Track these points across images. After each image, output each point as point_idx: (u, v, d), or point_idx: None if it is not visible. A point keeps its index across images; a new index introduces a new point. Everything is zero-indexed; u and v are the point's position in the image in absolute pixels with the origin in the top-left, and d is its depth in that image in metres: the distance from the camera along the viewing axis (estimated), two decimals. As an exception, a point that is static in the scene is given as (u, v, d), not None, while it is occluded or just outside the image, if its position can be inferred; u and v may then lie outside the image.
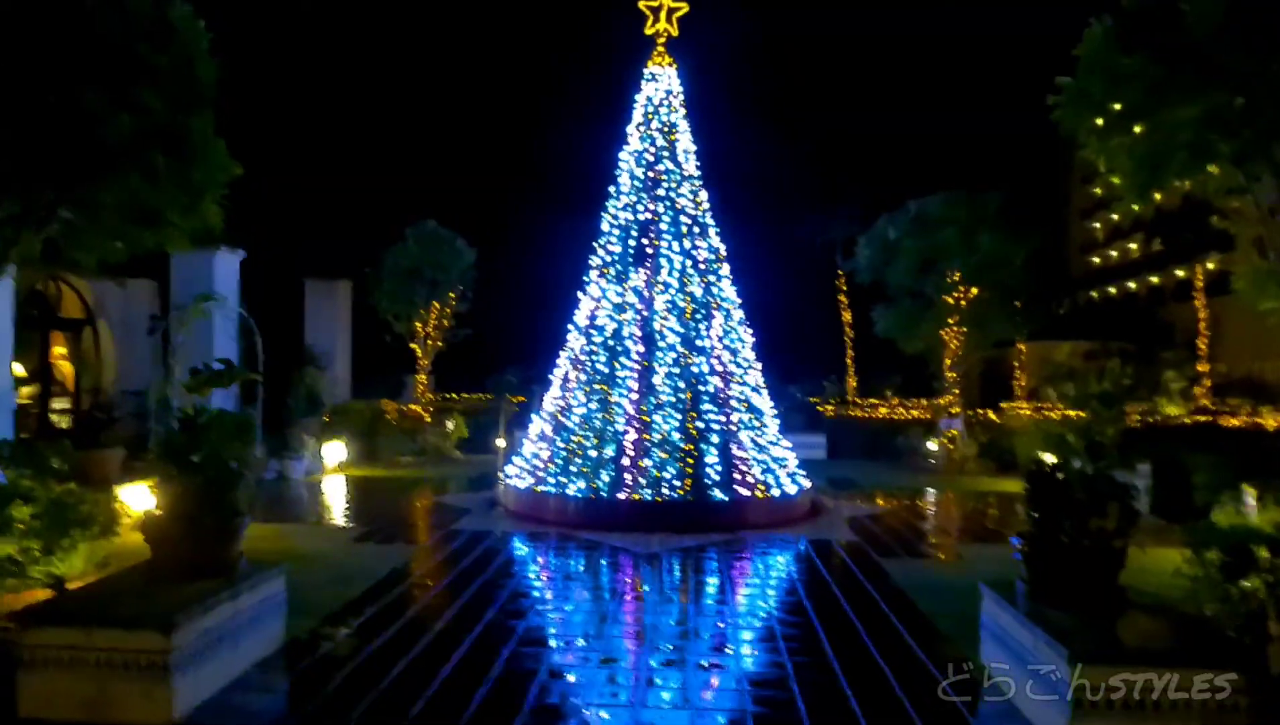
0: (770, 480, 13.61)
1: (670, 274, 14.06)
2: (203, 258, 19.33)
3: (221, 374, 7.71)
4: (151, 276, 22.05)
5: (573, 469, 13.41)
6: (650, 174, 14.62)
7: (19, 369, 18.15)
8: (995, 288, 20.39)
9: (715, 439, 13.34)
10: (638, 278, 14.07)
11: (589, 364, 14.02)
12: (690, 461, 13.09)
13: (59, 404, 22.55)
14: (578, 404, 13.90)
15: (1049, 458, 6.33)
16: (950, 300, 20.71)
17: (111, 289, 22.63)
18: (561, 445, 13.77)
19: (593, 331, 14.23)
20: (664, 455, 13.14)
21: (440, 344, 23.46)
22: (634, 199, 14.53)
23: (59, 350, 22.90)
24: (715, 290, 14.40)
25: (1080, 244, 57.56)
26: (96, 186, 8.85)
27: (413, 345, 23.33)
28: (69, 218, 8.96)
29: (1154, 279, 46.67)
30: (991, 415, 22.84)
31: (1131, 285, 49.66)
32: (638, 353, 13.62)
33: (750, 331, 14.89)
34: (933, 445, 22.18)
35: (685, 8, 15.20)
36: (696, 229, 14.53)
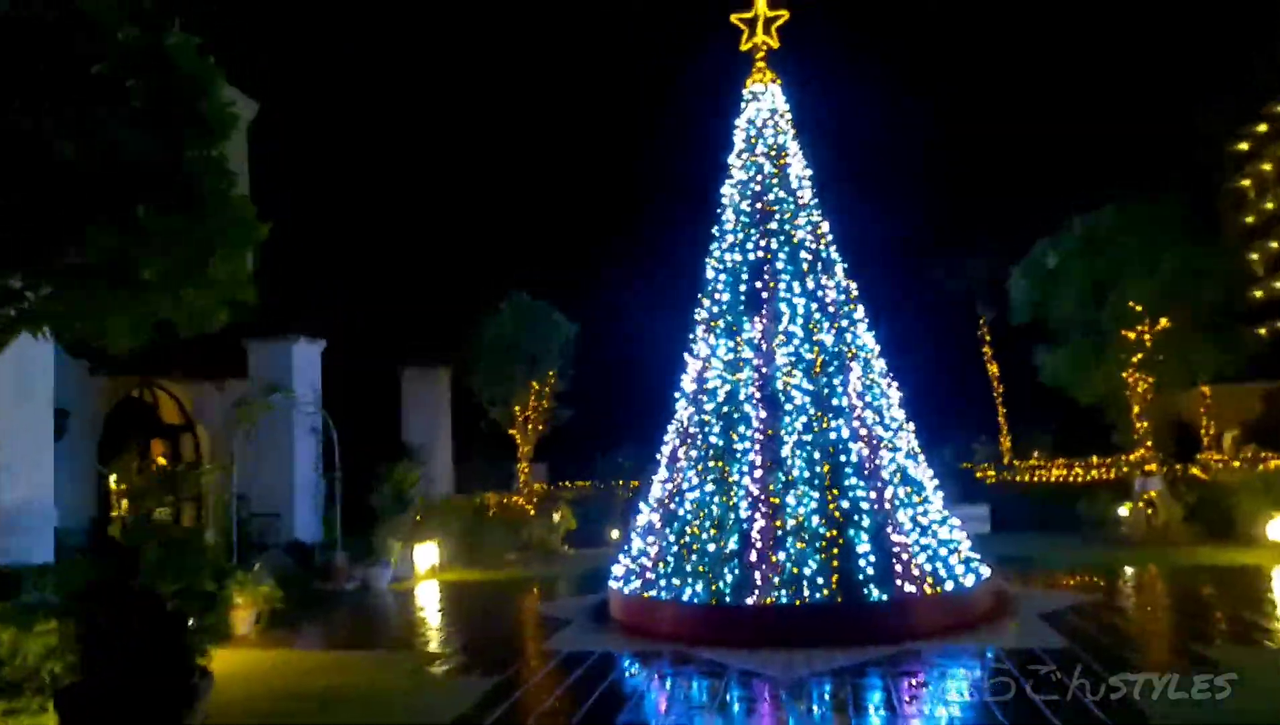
0: (940, 571, 10.66)
1: (792, 321, 11.51)
2: (280, 348, 18.04)
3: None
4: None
5: (687, 568, 10.82)
6: (759, 206, 12.23)
7: (113, 479, 17.05)
8: (1188, 314, 16.89)
9: (865, 522, 10.53)
10: (753, 329, 11.57)
11: (700, 437, 11.51)
12: (835, 552, 10.31)
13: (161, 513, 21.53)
14: (689, 487, 11.36)
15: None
16: (1132, 334, 17.28)
17: (210, 392, 21.65)
18: (673, 539, 11.22)
19: (702, 397, 11.76)
20: (801, 545, 10.41)
21: (541, 427, 21.38)
22: (741, 237, 12.15)
23: (160, 459, 22.02)
24: (849, 337, 11.75)
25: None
26: (58, 244, 7.11)
27: (511, 431, 21.33)
28: (19, 287, 7.19)
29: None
30: (1196, 471, 18.97)
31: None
32: (759, 419, 11.04)
33: (896, 385, 12.11)
34: (1124, 511, 18.50)
35: (785, 15, 12.98)
36: (820, 266, 11.99)
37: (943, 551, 11.02)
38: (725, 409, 11.46)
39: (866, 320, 12.22)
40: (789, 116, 12.95)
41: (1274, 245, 43.72)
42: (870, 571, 10.25)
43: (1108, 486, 20.03)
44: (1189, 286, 16.47)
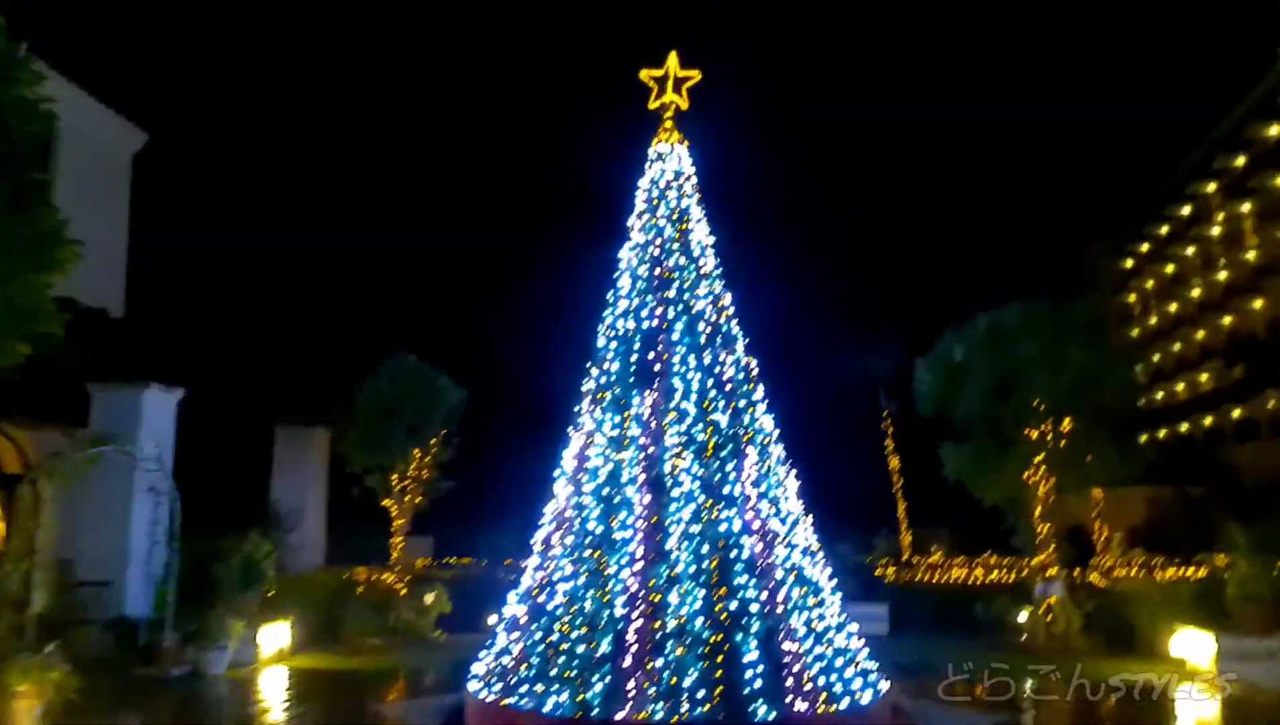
0: (835, 685, 9.56)
1: (685, 398, 10.48)
2: (127, 395, 16.18)
3: None
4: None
5: (553, 673, 9.46)
6: (658, 272, 11.30)
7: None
8: (1090, 417, 16.56)
9: (755, 626, 9.40)
10: (643, 404, 10.48)
11: (577, 521, 10.27)
12: (720, 660, 9.12)
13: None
14: (561, 577, 10.06)
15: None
16: (1035, 433, 16.84)
17: (58, 440, 19.41)
18: (539, 637, 9.86)
19: (582, 476, 10.57)
20: (682, 651, 9.19)
21: (419, 499, 19.73)
22: (636, 303, 11.16)
23: (-11, 513, 19.55)
24: (746, 418, 10.78)
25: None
26: None
27: (386, 501, 19.63)
28: None
29: (1208, 420, 41.22)
30: (1095, 578, 18.51)
31: (1184, 427, 43.26)
32: (642, 505, 9.89)
33: (794, 473, 11.15)
34: (1024, 616, 17.84)
35: (697, 76, 12.29)
36: (719, 339, 11.05)
37: (838, 662, 9.94)
38: (606, 491, 10.26)
39: (766, 401, 11.27)
40: (694, 180, 12.14)
41: (1155, 358, 44.98)
42: (758, 684, 9.07)
43: (1006, 589, 19.42)
44: (1090, 389, 16.17)
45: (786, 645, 9.49)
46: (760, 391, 11.31)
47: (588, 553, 10.02)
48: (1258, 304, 38.32)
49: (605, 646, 9.42)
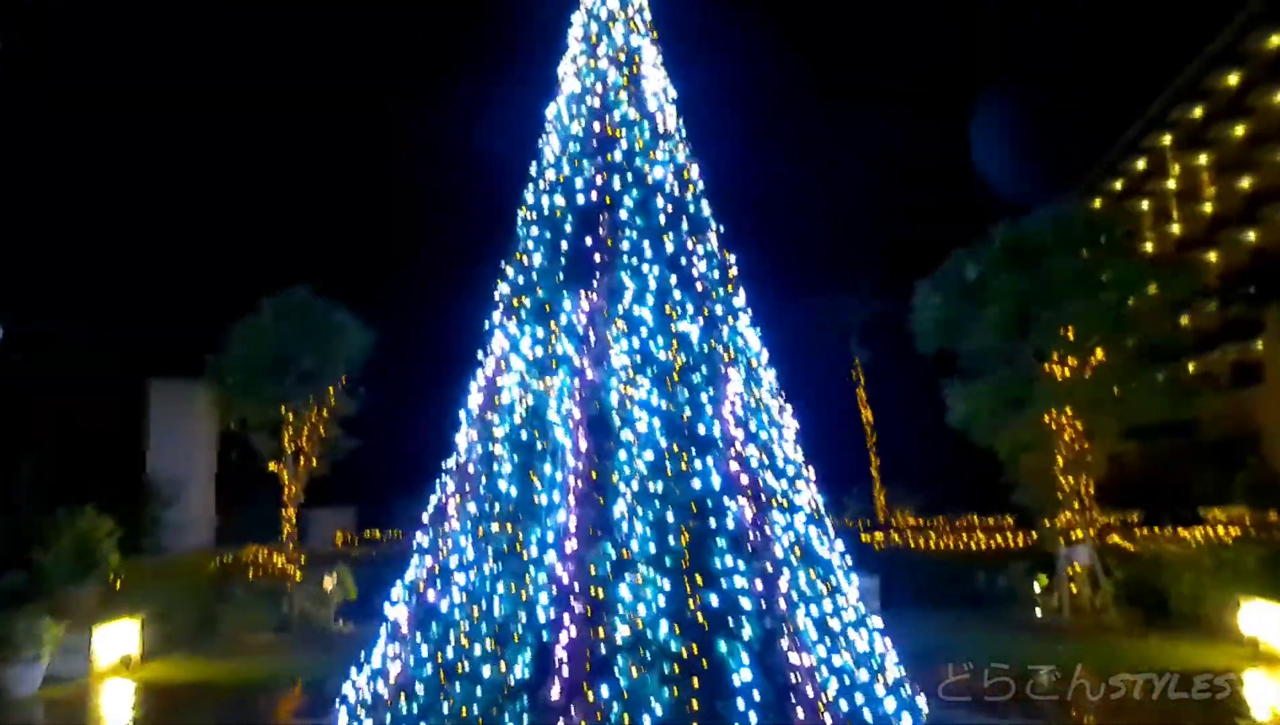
0: (862, 709, 6.48)
1: (639, 301, 7.20)
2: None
3: None
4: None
5: (445, 706, 6.24)
6: (598, 129, 7.93)
7: None
8: (1129, 347, 13.64)
9: (747, 631, 6.25)
10: (576, 310, 7.18)
11: (482, 481, 6.98)
12: (696, 683, 5.98)
13: None
14: (459, 565, 6.79)
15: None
16: (1064, 369, 13.89)
17: None
18: (426, 653, 6.61)
19: (490, 417, 7.24)
20: (639, 671, 6.01)
21: (315, 463, 16.25)
22: (569, 172, 7.81)
23: None
24: (724, 331, 7.54)
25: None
26: None
27: (273, 465, 16.13)
28: None
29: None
30: (1118, 540, 15.72)
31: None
32: (578, 455, 6.62)
33: (791, 410, 7.99)
34: (1040, 587, 15.07)
35: None
36: (685, 222, 7.75)
37: (862, 675, 6.87)
38: (524, 435, 6.99)
39: (749, 310, 8.06)
40: (648, 14, 8.79)
41: (1212, 256, 38.29)
42: (753, 718, 5.95)
43: (1015, 555, 16.61)
44: (1134, 313, 13.23)
45: (793, 656, 6.36)
46: (742, 296, 8.10)
47: (497, 527, 6.75)
48: (1213, 256, 36.21)
49: (523, 667, 6.23)
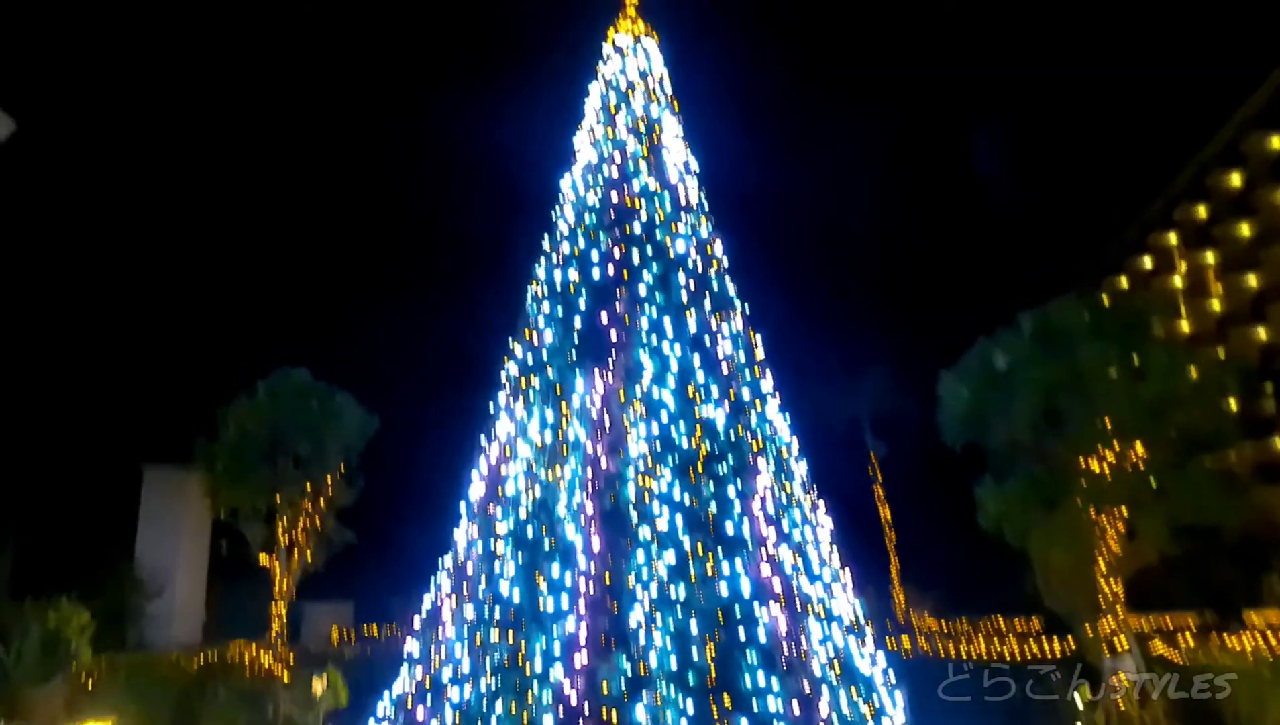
0: None
1: (659, 382, 6.54)
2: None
3: None
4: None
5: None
6: (616, 201, 7.42)
7: None
8: (1169, 441, 12.83)
9: (783, 763, 5.38)
10: (590, 391, 6.53)
11: (482, 582, 6.23)
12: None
13: None
14: (453, 678, 5.98)
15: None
16: (1101, 464, 13.06)
17: None
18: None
19: (494, 509, 6.52)
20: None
21: (309, 556, 15.34)
22: (584, 245, 7.26)
23: None
24: (752, 416, 6.86)
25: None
26: None
27: (264, 558, 15.23)
28: None
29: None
30: (1162, 648, 14.61)
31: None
32: (589, 552, 5.87)
33: (824, 504, 7.26)
34: (1081, 700, 13.91)
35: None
36: (708, 299, 7.16)
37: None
38: (530, 532, 6.25)
39: (778, 395, 7.40)
40: (669, 85, 8.41)
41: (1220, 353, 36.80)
42: None
43: (1052, 664, 15.45)
44: (1177, 404, 12.46)
45: (835, 794, 5.49)
46: (769, 380, 7.45)
47: (496, 635, 5.96)
48: (1221, 353, 35.71)
49: (523, 804, 5.36)
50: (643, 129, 7.91)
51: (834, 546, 7.10)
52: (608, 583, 5.88)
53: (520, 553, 6.20)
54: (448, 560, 7.01)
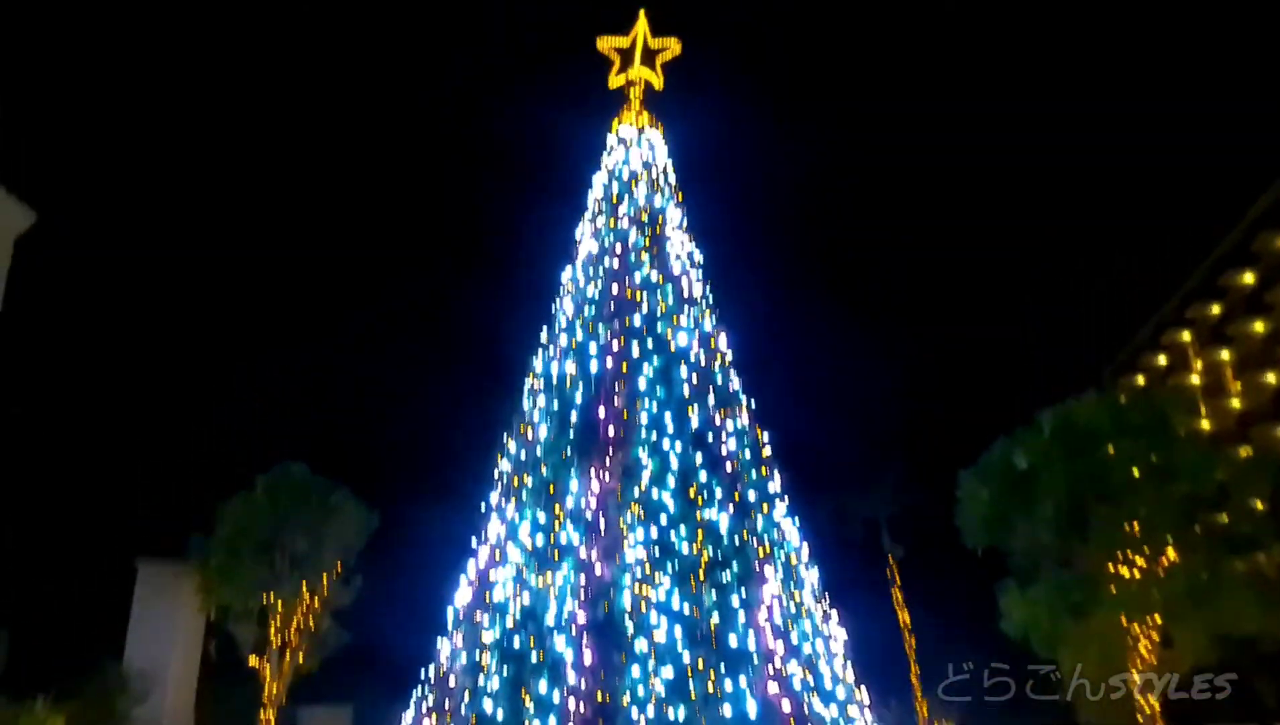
0: None
1: (659, 483, 6.16)
2: None
3: None
4: None
5: None
6: (617, 292, 7.18)
7: None
8: (1201, 541, 12.25)
9: None
10: (585, 492, 6.14)
11: (465, 697, 5.74)
12: None
13: None
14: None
15: None
16: (1132, 570, 12.45)
17: None
18: None
19: (479, 618, 6.08)
20: None
21: (302, 658, 14.73)
22: (582, 337, 6.97)
23: None
24: (758, 520, 6.44)
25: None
26: None
27: (254, 660, 14.65)
28: None
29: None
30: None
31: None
32: (580, 667, 5.40)
33: (836, 615, 6.76)
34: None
35: (675, 47, 8.67)
36: (712, 394, 6.83)
37: None
38: (517, 643, 5.78)
39: (786, 497, 6.99)
40: (673, 176, 8.27)
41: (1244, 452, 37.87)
42: None
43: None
44: (1210, 504, 11.94)
45: None
46: (777, 481, 7.04)
47: (477, 762, 5.44)
48: (1245, 452, 35.00)
49: None
50: (645, 219, 7.73)
51: (848, 660, 6.57)
52: (600, 701, 5.38)
53: (506, 666, 5.72)
54: (430, 671, 6.53)
